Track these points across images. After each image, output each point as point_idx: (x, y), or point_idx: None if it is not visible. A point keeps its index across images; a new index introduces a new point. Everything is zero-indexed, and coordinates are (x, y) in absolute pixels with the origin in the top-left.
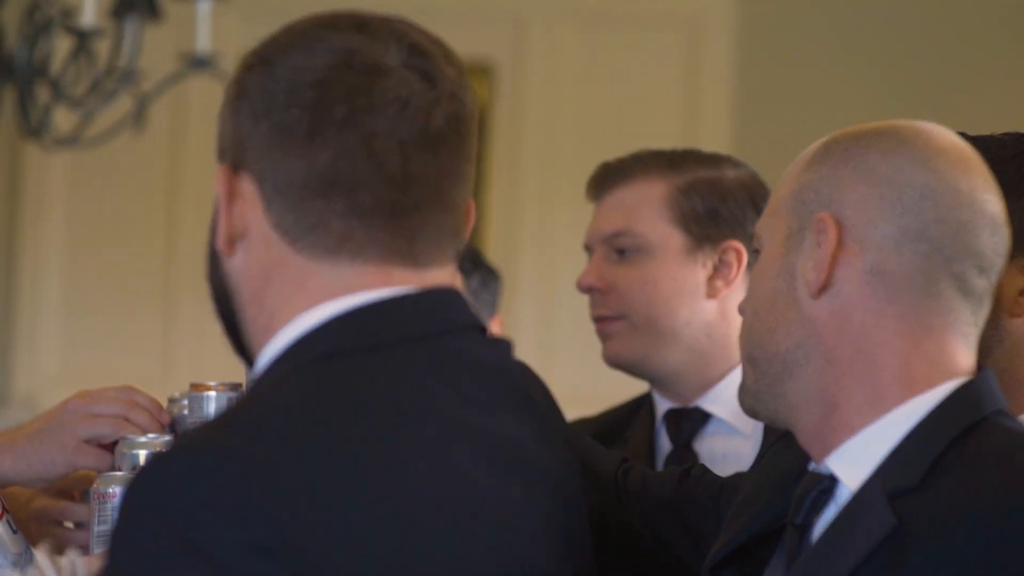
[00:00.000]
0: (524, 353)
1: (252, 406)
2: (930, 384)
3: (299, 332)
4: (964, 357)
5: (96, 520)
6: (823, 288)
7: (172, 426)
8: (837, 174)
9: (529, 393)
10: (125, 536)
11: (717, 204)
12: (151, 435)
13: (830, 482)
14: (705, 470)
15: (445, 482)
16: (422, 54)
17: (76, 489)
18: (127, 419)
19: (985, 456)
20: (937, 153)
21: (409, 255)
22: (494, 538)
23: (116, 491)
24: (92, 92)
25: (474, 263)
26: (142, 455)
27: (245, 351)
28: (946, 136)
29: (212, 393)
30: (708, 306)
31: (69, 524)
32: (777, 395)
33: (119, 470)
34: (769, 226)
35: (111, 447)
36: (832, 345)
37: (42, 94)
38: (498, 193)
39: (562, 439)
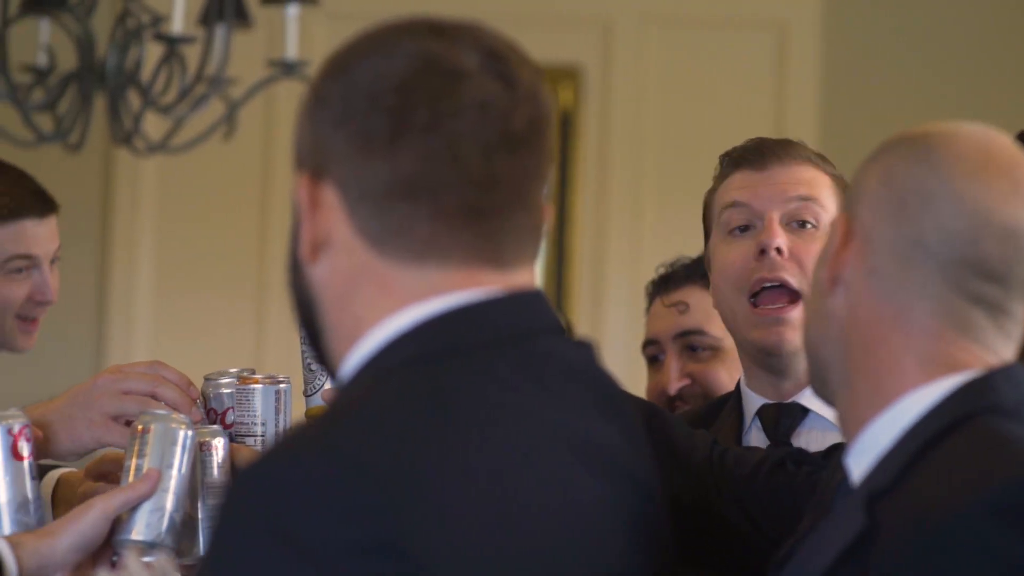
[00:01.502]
0: (612, 357)
1: (351, 408)
2: (926, 379)
3: (387, 336)
4: (971, 355)
5: (130, 453)
6: (834, 282)
7: (204, 403)
8: (866, 174)
9: (614, 393)
10: (230, 534)
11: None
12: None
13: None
14: (801, 458)
15: (543, 481)
16: (499, 57)
17: (115, 472)
18: (155, 395)
19: (950, 458)
20: (955, 160)
21: (493, 257)
22: (586, 537)
23: (152, 427)
24: (182, 98)
25: None
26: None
27: (327, 358)
28: (977, 142)
29: (259, 387)
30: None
31: None
32: (824, 383)
33: (136, 445)
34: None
35: None
36: (847, 338)
37: (133, 101)
38: (586, 197)
39: (645, 438)
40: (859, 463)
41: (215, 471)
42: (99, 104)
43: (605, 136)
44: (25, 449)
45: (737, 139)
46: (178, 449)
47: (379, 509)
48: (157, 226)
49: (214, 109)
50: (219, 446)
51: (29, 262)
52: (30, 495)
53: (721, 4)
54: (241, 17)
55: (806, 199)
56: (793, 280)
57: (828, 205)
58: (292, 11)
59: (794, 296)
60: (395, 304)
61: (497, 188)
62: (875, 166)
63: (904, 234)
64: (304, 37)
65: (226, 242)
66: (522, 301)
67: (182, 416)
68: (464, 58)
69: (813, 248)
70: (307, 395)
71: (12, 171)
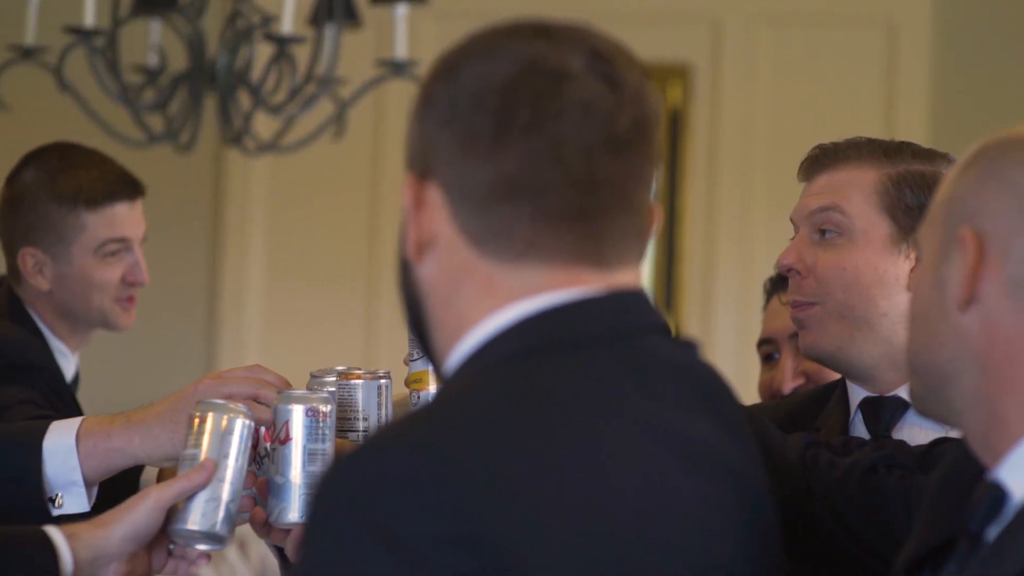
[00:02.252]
0: (721, 355)
1: (447, 403)
2: None
3: (488, 333)
4: None
5: (187, 443)
6: (968, 301)
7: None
8: (981, 185)
9: (717, 392)
10: (322, 527)
11: (927, 197)
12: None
13: (1001, 492)
14: (893, 462)
15: (637, 479)
16: (605, 59)
17: None
18: (256, 398)
19: None
20: None
21: (596, 257)
22: (684, 535)
23: (209, 417)
24: (292, 98)
25: None
26: (295, 409)
27: (433, 356)
28: None
29: (360, 381)
30: (907, 299)
31: None
32: (942, 401)
33: (192, 434)
34: (927, 235)
35: None
36: (985, 355)
37: (243, 101)
38: (696, 196)
39: (749, 437)
40: (1020, 479)
41: (320, 438)
42: (209, 104)
43: (715, 135)
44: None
45: (848, 136)
46: (234, 439)
47: (467, 505)
48: (267, 225)
49: (324, 109)
50: (328, 413)
51: (122, 245)
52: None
53: (831, 2)
54: (351, 17)
55: (825, 209)
56: (807, 298)
57: (856, 206)
58: (401, 11)
59: (808, 304)
60: (497, 303)
61: (600, 189)
62: (989, 177)
63: None
64: (413, 37)
65: (335, 240)
66: (623, 300)
67: (240, 405)
68: (569, 59)
69: (833, 257)
70: (409, 361)
71: (96, 156)
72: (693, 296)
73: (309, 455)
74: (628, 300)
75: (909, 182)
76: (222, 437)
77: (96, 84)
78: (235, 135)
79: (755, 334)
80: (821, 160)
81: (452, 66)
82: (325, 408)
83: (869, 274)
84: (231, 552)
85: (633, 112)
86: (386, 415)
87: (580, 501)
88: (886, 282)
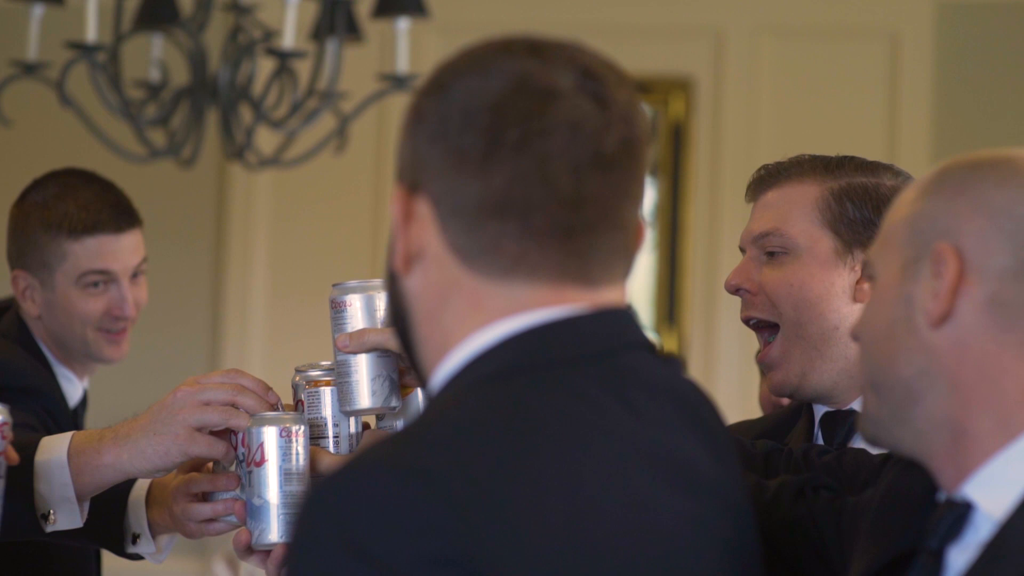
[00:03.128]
0: (725, 370)
1: (432, 421)
2: None
3: (474, 350)
4: None
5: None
6: (943, 318)
7: (294, 395)
8: (953, 204)
9: (701, 410)
10: (305, 548)
11: (870, 211)
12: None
13: (966, 509)
14: (820, 483)
15: (621, 497)
16: (594, 78)
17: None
18: (235, 404)
19: None
20: None
21: (582, 274)
22: (668, 553)
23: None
24: (294, 113)
25: None
26: (267, 431)
27: (419, 370)
28: None
29: (328, 388)
30: (855, 310)
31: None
32: (902, 421)
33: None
34: (882, 255)
35: (223, 433)
36: (955, 372)
37: (245, 116)
38: (698, 208)
39: (733, 455)
40: (993, 493)
41: (294, 458)
42: (211, 119)
43: (717, 147)
44: None
45: (850, 149)
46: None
47: (450, 525)
48: (270, 239)
49: (326, 123)
50: (299, 432)
51: (104, 277)
52: None
53: (833, 14)
54: (352, 31)
55: (766, 234)
56: (760, 315)
57: (798, 224)
58: (403, 25)
59: (772, 327)
60: (483, 319)
61: (587, 207)
62: (959, 196)
63: (1022, 258)
64: (415, 50)
65: (338, 254)
66: (608, 318)
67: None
68: (559, 78)
69: (779, 274)
70: None
71: (97, 184)
72: (695, 309)
73: (285, 475)
74: (613, 318)
75: (851, 195)
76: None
77: (98, 99)
78: (237, 150)
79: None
80: (765, 180)
81: (443, 82)
82: (296, 427)
83: (816, 288)
84: (219, 569)
85: (621, 131)
86: (357, 423)
87: (563, 520)
88: (833, 295)
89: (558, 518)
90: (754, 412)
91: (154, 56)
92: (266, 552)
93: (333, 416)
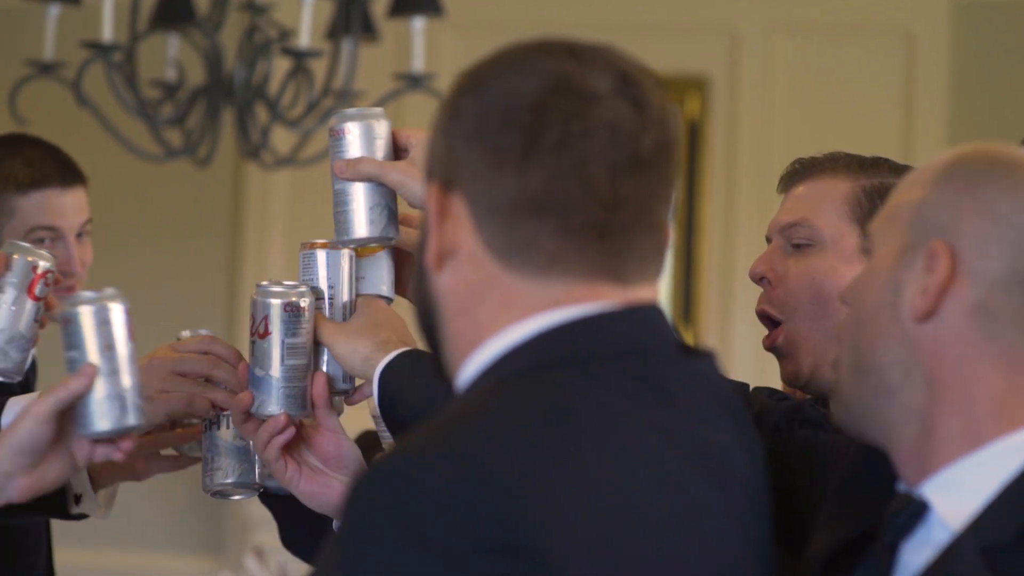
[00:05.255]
0: (740, 367)
1: (474, 412)
2: None
3: (507, 345)
4: None
5: (64, 345)
6: (928, 314)
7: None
8: (959, 201)
9: (732, 402)
10: (359, 535)
11: None
12: None
13: (922, 507)
14: (799, 415)
15: (661, 489)
16: (631, 81)
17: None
18: (210, 378)
19: None
20: None
21: (616, 273)
22: (702, 543)
23: (82, 312)
24: (309, 112)
25: None
26: (273, 304)
27: (445, 367)
28: None
29: (323, 251)
30: None
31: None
32: (871, 409)
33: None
34: (884, 230)
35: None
36: (932, 371)
37: (260, 115)
38: (713, 207)
39: (759, 446)
40: (949, 498)
41: (299, 333)
42: (227, 118)
43: (732, 146)
44: (41, 291)
45: (865, 147)
46: (114, 328)
47: (504, 512)
48: (286, 239)
49: None
50: (305, 307)
51: (52, 233)
52: (27, 334)
53: (848, 12)
54: (368, 30)
55: (794, 224)
56: (773, 310)
57: (826, 217)
58: (418, 24)
59: (778, 325)
60: (517, 315)
61: (623, 208)
62: (967, 195)
63: (1016, 269)
64: (431, 49)
65: None
66: (641, 315)
67: (108, 290)
68: (597, 80)
69: (803, 266)
70: None
71: (41, 144)
72: (711, 307)
73: (288, 349)
74: (645, 315)
75: (883, 195)
76: (100, 330)
77: (114, 99)
78: (253, 149)
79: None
80: (798, 173)
81: (481, 80)
82: (303, 302)
83: (837, 282)
84: (249, 561)
85: (657, 134)
86: (350, 288)
87: (609, 507)
88: None
89: (604, 505)
90: None
91: (170, 55)
92: (260, 421)
93: (328, 278)
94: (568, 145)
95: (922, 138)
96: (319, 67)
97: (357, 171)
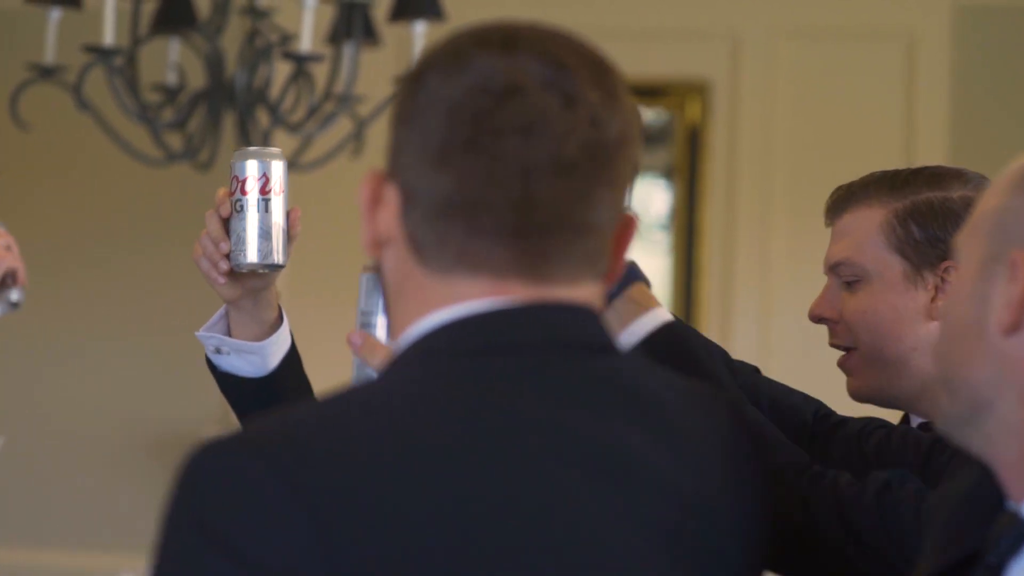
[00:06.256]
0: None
1: (325, 408)
2: None
3: (409, 339)
4: None
5: None
6: (1014, 328)
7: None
8: None
9: (653, 404)
10: (166, 522)
11: (936, 228)
12: None
13: None
14: (905, 480)
15: (520, 486)
16: (567, 76)
17: None
18: None
19: None
20: None
21: (533, 273)
22: (575, 544)
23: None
24: (310, 116)
25: None
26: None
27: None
28: None
29: (365, 276)
30: (933, 328)
31: None
32: (971, 423)
33: None
34: (969, 243)
35: None
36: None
37: (261, 119)
38: (714, 211)
39: (709, 453)
40: None
41: (271, 189)
42: (228, 123)
43: (733, 150)
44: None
45: (867, 151)
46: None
47: (312, 524)
48: None
49: (342, 127)
50: (278, 169)
51: None
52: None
53: (849, 15)
54: (369, 35)
55: (839, 264)
56: (842, 342)
57: (867, 251)
58: (419, 28)
59: (847, 349)
60: (423, 310)
61: (539, 210)
62: None
63: None
64: None
65: (355, 257)
66: (547, 313)
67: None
68: (526, 75)
69: (856, 302)
70: None
71: None
72: (712, 312)
73: (262, 204)
74: (553, 313)
75: (915, 215)
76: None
77: (115, 103)
78: None
79: (774, 349)
80: (838, 204)
81: (418, 75)
82: (276, 163)
83: (890, 313)
84: None
85: (586, 134)
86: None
87: (454, 517)
88: (906, 318)
89: (447, 514)
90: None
91: (171, 60)
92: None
93: (362, 302)
94: (478, 145)
95: (923, 142)
96: (320, 71)
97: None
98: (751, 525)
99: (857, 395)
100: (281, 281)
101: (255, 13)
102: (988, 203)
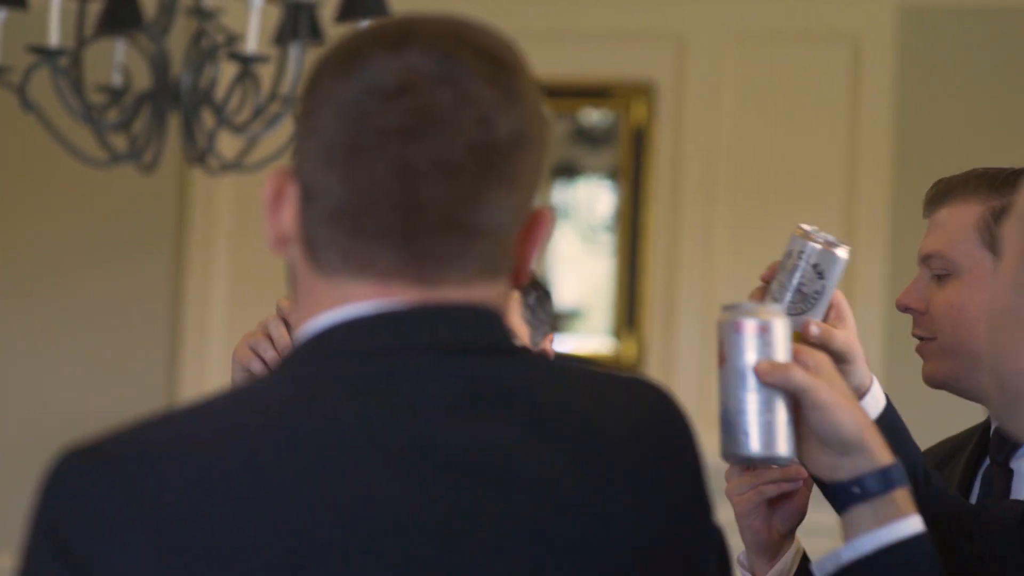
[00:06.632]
0: (685, 372)
1: (191, 414)
2: None
3: (299, 340)
4: None
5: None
6: None
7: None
8: None
9: (546, 402)
10: (28, 530)
11: None
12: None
13: None
14: None
15: (376, 493)
16: (459, 74)
17: None
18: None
19: None
20: None
21: (418, 275)
22: (428, 547)
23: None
24: (256, 117)
25: (531, 283)
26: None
27: None
28: None
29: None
30: None
31: None
32: (1016, 417)
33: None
34: (1011, 233)
35: None
36: None
37: (207, 120)
38: (659, 213)
39: (603, 453)
40: None
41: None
42: (173, 124)
43: (678, 152)
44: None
45: (811, 153)
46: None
47: (152, 545)
48: (232, 244)
49: (288, 127)
50: (772, 327)
51: None
52: None
53: (794, 18)
54: (315, 36)
55: (930, 256)
56: (923, 334)
57: (959, 246)
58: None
59: (927, 338)
60: (315, 311)
61: (425, 212)
62: None
63: None
64: None
65: None
66: (434, 315)
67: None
68: (415, 74)
69: (944, 296)
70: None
71: None
72: (656, 313)
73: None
74: (443, 315)
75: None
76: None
77: (60, 103)
78: (199, 154)
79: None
80: (936, 197)
81: (314, 75)
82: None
83: (975, 310)
84: None
85: (474, 134)
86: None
87: (298, 538)
88: None
89: (279, 539)
90: (712, 416)
91: (116, 60)
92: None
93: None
94: (363, 147)
95: (868, 144)
96: (266, 72)
97: (787, 378)
98: (646, 531)
99: (931, 381)
100: (223, 283)
101: (201, 14)
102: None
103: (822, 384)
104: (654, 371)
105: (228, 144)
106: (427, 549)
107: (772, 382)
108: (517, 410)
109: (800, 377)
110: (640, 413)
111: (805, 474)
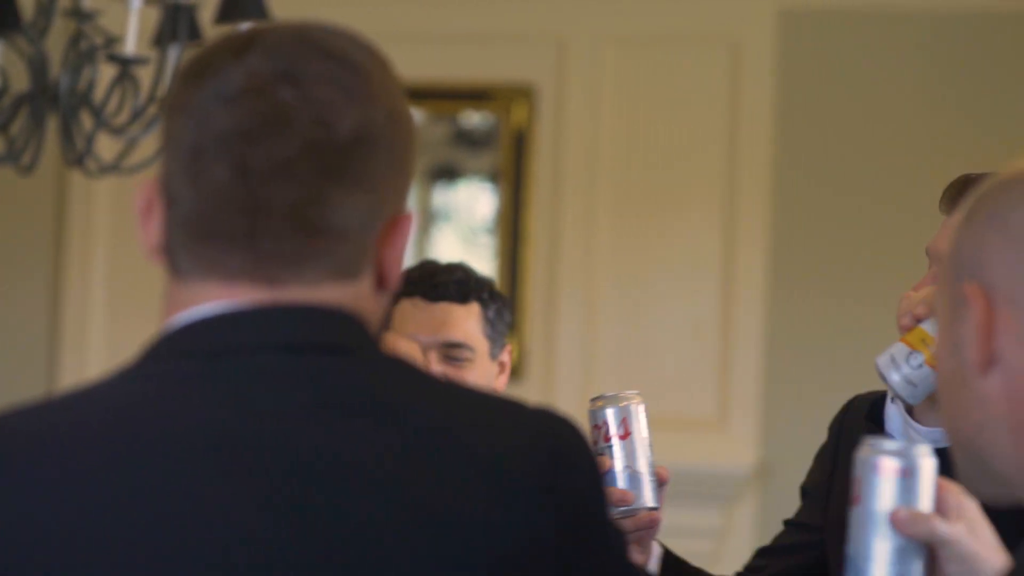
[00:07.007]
0: (566, 372)
1: (32, 412)
2: None
3: (147, 345)
4: None
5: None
6: (987, 363)
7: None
8: (982, 235)
9: (383, 404)
10: None
11: None
12: None
13: None
14: None
15: (180, 494)
16: (295, 76)
17: None
18: None
19: None
20: None
21: (263, 276)
22: (253, 552)
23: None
24: (135, 120)
25: (491, 294)
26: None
27: None
28: None
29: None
30: None
31: None
32: (985, 476)
33: None
34: (939, 292)
35: None
36: (1012, 417)
37: (85, 122)
38: (539, 215)
39: (441, 457)
40: None
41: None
42: (51, 126)
43: (559, 154)
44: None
45: (691, 155)
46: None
47: None
48: (111, 248)
49: None
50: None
51: None
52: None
53: (675, 22)
54: (194, 38)
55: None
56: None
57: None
58: (245, 29)
59: None
60: (170, 313)
61: (268, 214)
62: (989, 226)
63: None
64: None
65: None
66: (275, 315)
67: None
68: (255, 79)
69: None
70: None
71: None
72: (536, 315)
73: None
74: (284, 316)
75: None
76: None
77: None
78: (77, 156)
79: (598, 352)
80: (954, 196)
81: (173, 85)
82: (636, 407)
83: None
84: None
85: (309, 135)
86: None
87: (101, 537)
88: None
89: (66, 527)
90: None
91: None
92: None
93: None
94: (206, 151)
95: (747, 146)
96: (145, 74)
97: (931, 529)
98: (498, 543)
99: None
100: (101, 287)
101: (80, 15)
102: (944, 246)
103: (965, 535)
104: (534, 375)
105: (107, 146)
106: (258, 555)
107: (912, 533)
108: (360, 411)
109: (944, 530)
110: (518, 437)
111: None
